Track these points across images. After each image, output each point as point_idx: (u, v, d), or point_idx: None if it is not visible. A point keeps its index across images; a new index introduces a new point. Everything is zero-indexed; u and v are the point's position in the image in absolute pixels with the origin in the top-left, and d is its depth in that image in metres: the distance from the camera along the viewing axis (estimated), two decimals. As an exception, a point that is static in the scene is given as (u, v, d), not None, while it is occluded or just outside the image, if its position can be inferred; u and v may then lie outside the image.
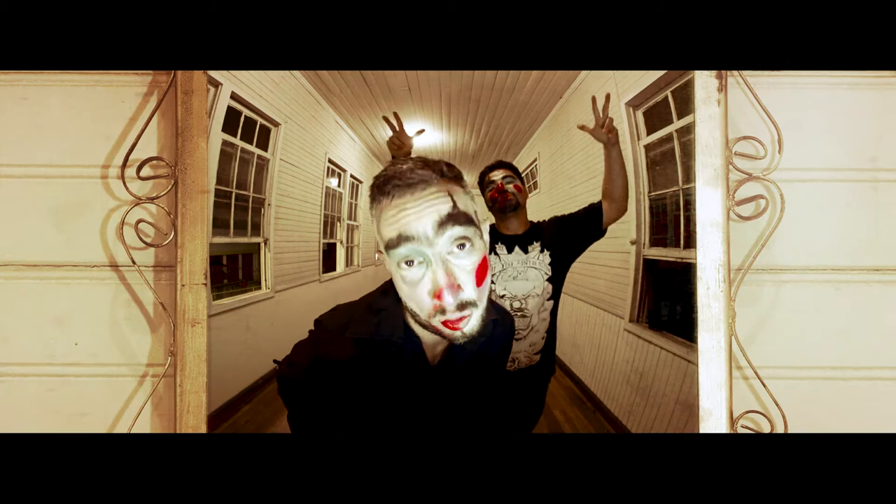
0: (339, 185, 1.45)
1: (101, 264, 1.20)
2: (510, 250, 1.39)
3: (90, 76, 1.21)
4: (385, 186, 0.99)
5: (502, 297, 1.36)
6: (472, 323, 0.99)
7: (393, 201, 0.98)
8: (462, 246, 0.98)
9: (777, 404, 1.16)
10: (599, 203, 1.34)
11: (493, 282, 1.34)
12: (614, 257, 1.37)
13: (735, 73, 1.17)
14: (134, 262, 1.15)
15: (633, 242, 1.32)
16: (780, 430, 1.16)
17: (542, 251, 1.38)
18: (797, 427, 1.17)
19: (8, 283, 1.20)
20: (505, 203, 1.37)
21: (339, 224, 1.46)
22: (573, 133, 1.38)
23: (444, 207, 0.98)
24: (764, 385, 1.16)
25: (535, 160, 1.44)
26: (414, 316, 1.01)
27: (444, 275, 0.97)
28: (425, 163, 1.01)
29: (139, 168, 1.16)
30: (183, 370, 1.13)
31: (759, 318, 1.20)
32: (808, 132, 1.20)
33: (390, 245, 0.97)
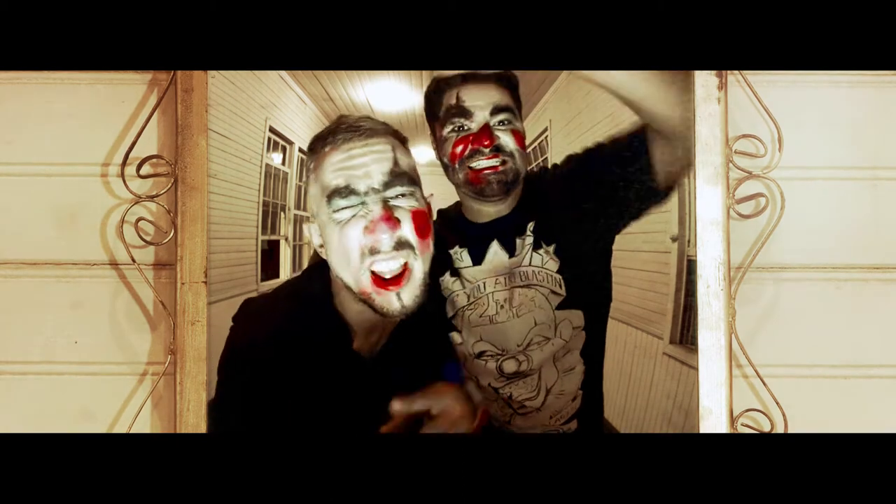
0: (283, 163, 1.15)
1: (100, 262, 1.20)
2: (479, 256, 0.89)
3: (90, 75, 1.21)
4: (331, 136, 0.98)
5: (481, 354, 0.89)
6: (412, 287, 0.93)
7: (341, 146, 0.96)
8: (403, 196, 0.96)
9: (777, 403, 1.16)
10: (642, 130, 0.83)
11: (456, 327, 0.95)
12: (649, 258, 1.11)
13: (735, 71, 1.17)
14: (134, 261, 1.15)
15: (674, 239, 1.12)
16: (780, 428, 1.16)
17: (537, 246, 0.87)
18: (797, 425, 1.17)
19: (7, 281, 1.20)
20: (489, 186, 0.85)
21: (283, 215, 1.15)
22: (597, 94, 1.01)
23: (387, 164, 0.95)
24: (764, 383, 1.16)
25: (546, 131, 1.06)
26: (346, 285, 0.97)
27: (380, 209, 0.94)
28: (372, 118, 1.00)
29: (139, 166, 1.16)
30: (183, 368, 1.13)
31: (760, 317, 1.20)
32: (809, 131, 1.20)
33: (335, 194, 0.95)
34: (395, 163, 0.95)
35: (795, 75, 1.20)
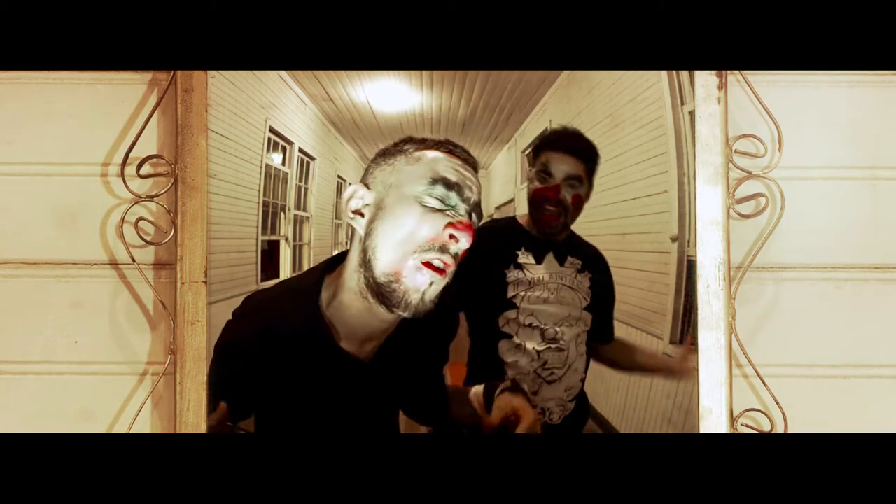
0: (283, 163, 1.17)
1: (100, 262, 1.20)
2: (540, 259, 1.16)
3: (90, 75, 1.21)
4: (445, 144, 1.06)
5: (529, 325, 1.14)
6: (437, 288, 1.01)
7: (452, 158, 1.05)
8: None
9: (777, 403, 1.16)
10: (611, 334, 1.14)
11: (515, 304, 1.15)
12: (649, 259, 1.14)
13: (735, 71, 1.17)
14: (134, 260, 1.15)
15: (674, 239, 1.15)
16: (780, 428, 1.16)
17: (581, 271, 1.16)
18: (797, 425, 1.17)
19: (7, 280, 1.20)
20: (548, 227, 1.15)
21: (283, 215, 1.17)
22: (597, 94, 1.13)
23: (479, 194, 1.06)
24: (764, 383, 1.16)
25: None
26: (369, 264, 1.01)
27: (467, 219, 1.03)
28: None
29: (139, 166, 1.16)
30: (183, 368, 1.13)
31: (760, 316, 1.19)
32: (809, 130, 1.20)
33: (443, 182, 1.02)
34: (480, 197, 1.07)
35: (795, 75, 1.20)
